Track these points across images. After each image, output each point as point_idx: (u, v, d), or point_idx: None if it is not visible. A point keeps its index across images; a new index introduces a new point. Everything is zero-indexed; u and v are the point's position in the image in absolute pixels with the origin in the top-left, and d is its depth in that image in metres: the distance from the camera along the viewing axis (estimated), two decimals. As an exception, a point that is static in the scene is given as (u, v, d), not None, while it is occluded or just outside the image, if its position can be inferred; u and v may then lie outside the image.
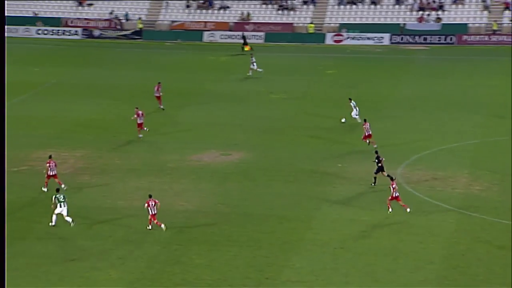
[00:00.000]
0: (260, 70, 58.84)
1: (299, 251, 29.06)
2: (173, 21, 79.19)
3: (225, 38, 76.40)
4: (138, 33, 77.35)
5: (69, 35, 77.08)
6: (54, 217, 30.86)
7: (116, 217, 32.01)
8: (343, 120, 45.43)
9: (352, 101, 45.63)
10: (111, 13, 79.77)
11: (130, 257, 28.27)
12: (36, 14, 79.29)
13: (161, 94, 48.94)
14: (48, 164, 34.88)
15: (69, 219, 30.67)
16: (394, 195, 31.66)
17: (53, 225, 30.89)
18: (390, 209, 31.68)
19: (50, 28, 77.29)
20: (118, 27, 78.62)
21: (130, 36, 77.14)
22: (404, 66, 66.44)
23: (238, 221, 31.86)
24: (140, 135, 43.00)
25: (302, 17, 79.40)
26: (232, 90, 55.66)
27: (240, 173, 37.73)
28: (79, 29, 77.37)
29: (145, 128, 42.99)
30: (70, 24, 78.29)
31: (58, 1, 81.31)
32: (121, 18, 79.19)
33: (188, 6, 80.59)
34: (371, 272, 26.98)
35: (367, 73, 62.65)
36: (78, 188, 35.12)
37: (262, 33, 76.78)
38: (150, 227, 30.59)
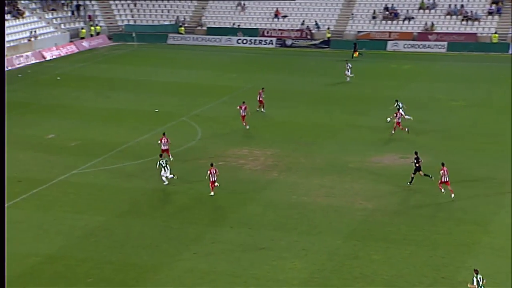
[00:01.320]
0: (351, 75, 58.51)
1: (476, 253, 27.80)
2: (359, 31, 78.66)
3: (408, 48, 74.62)
4: (326, 42, 77.67)
5: (264, 44, 79.09)
6: (163, 178, 34.81)
7: (301, 211, 32.38)
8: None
9: (398, 102, 44.80)
10: (302, 23, 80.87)
11: (313, 249, 28.48)
12: (237, 25, 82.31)
13: (263, 98, 49.01)
14: (160, 141, 38.22)
15: (171, 176, 34.70)
16: (443, 180, 32.84)
17: (166, 184, 34.58)
18: (443, 190, 33.23)
19: (248, 38, 79.74)
20: (309, 36, 79.44)
21: (318, 45, 77.61)
22: None
23: (415, 221, 31.05)
24: (247, 127, 44.72)
25: (486, 28, 75.70)
26: (413, 96, 54.23)
27: (417, 176, 36.70)
28: (273, 39, 79.16)
29: (246, 126, 44.49)
30: (266, 34, 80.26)
31: (257, 14, 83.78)
32: (311, 28, 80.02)
33: (374, 17, 79.69)
34: (549, 280, 25.17)
35: (551, 82, 58.53)
36: (268, 184, 35.92)
37: (444, 43, 74.15)
38: (212, 193, 33.36)
